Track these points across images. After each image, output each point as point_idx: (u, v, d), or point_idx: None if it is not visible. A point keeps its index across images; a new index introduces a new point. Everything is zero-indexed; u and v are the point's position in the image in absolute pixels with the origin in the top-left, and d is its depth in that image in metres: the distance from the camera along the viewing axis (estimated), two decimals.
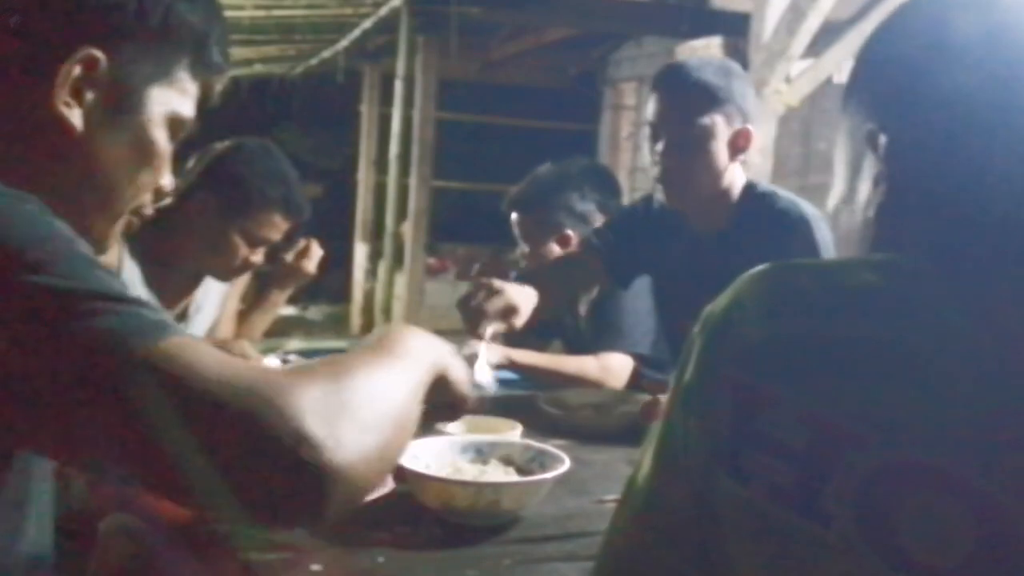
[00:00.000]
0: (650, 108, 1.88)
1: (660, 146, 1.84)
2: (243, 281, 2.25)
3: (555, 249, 2.42)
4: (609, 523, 0.75)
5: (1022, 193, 0.66)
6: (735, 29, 4.15)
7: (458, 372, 0.89)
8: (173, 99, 0.84)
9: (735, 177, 1.87)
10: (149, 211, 0.90)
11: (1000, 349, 0.62)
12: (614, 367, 2.22)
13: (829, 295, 0.65)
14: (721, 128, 1.81)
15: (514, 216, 2.51)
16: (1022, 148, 0.65)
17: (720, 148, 1.81)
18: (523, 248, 2.51)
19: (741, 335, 0.66)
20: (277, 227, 1.96)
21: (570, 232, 2.41)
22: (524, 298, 1.81)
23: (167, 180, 0.88)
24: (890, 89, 0.72)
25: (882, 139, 0.72)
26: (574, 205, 2.43)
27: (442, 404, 0.89)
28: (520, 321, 1.81)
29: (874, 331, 0.63)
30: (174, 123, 0.85)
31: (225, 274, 2.00)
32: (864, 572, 0.60)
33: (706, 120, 1.79)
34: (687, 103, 1.81)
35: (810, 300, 0.66)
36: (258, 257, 1.98)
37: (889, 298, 0.65)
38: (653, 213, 2.05)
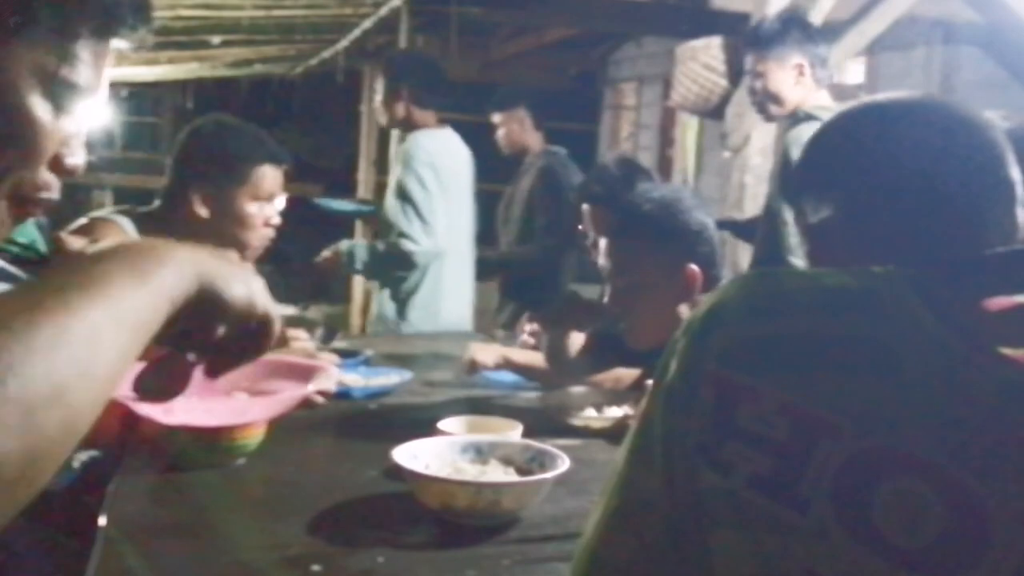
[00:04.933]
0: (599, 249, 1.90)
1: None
2: None
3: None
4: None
5: (945, 231, 0.81)
6: (735, 29, 4.14)
7: (235, 285, 0.63)
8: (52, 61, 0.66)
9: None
10: (54, 195, 0.73)
11: (962, 343, 0.67)
12: (618, 369, 2.21)
13: (807, 295, 0.71)
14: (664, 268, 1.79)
15: (585, 208, 2.50)
16: (940, 205, 0.82)
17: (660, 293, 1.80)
18: (598, 241, 2.49)
19: (724, 334, 0.71)
20: (275, 179, 2.02)
21: None
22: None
23: (75, 158, 0.72)
24: (847, 169, 0.89)
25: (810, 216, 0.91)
26: (649, 195, 2.43)
27: (232, 338, 0.65)
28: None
29: (849, 328, 0.68)
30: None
31: (256, 242, 2.02)
32: (840, 555, 0.63)
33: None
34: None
35: (790, 300, 0.71)
36: (275, 216, 2.02)
37: (863, 297, 0.70)
38: None
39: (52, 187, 0.72)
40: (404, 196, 3.04)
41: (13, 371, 0.48)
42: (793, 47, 2.66)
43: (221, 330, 0.65)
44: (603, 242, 1.85)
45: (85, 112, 0.72)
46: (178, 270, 0.60)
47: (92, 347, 0.52)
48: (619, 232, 1.82)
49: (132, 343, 0.55)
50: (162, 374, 0.69)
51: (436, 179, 3.08)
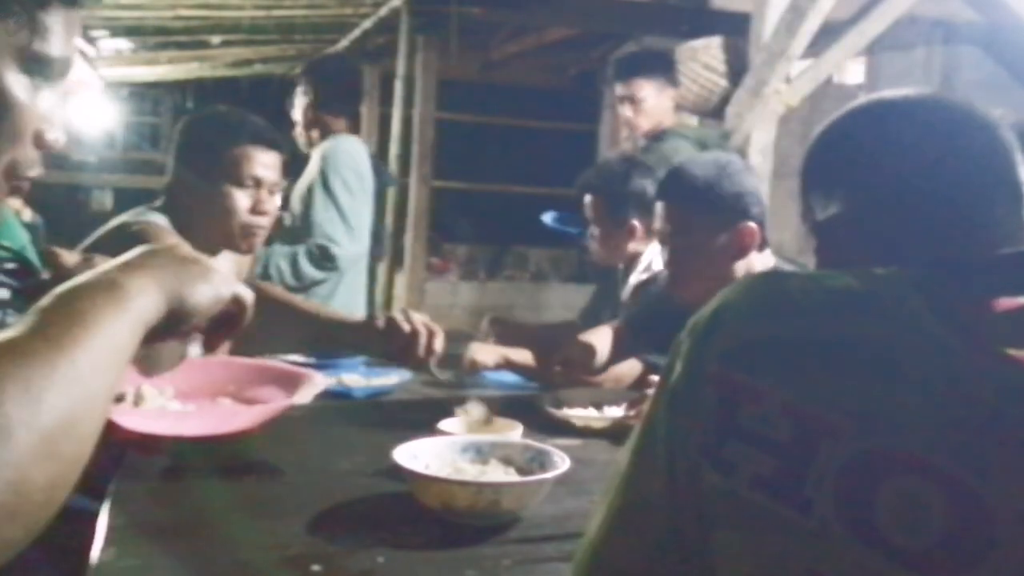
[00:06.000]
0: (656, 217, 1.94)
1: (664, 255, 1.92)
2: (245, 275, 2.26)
3: (624, 240, 2.52)
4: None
5: (948, 230, 0.82)
6: (735, 29, 4.14)
7: (200, 288, 0.71)
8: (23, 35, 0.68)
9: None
10: (35, 172, 0.75)
11: (964, 344, 0.67)
12: (618, 368, 2.22)
13: (810, 298, 0.71)
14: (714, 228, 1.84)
15: (587, 198, 2.58)
16: (943, 203, 0.83)
17: (719, 250, 1.84)
18: (593, 231, 2.58)
19: (727, 335, 0.71)
20: (259, 160, 1.95)
21: (636, 223, 2.50)
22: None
23: (56, 131, 0.74)
24: (852, 167, 0.90)
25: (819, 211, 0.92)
26: (644, 192, 2.46)
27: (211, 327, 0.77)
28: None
29: (851, 329, 0.69)
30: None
31: (244, 233, 1.96)
32: (842, 555, 0.64)
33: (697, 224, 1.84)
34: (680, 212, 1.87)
35: (792, 302, 0.71)
36: (267, 203, 1.95)
37: (865, 299, 0.70)
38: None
39: (35, 163, 0.74)
40: (328, 199, 3.02)
41: (42, 404, 0.53)
42: (663, 77, 3.26)
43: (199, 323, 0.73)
44: (659, 207, 1.93)
45: (61, 84, 0.73)
46: (149, 296, 0.66)
47: (95, 378, 0.57)
48: (674, 196, 1.87)
49: (119, 369, 0.61)
50: (160, 352, 0.76)
51: (360, 184, 3.09)
